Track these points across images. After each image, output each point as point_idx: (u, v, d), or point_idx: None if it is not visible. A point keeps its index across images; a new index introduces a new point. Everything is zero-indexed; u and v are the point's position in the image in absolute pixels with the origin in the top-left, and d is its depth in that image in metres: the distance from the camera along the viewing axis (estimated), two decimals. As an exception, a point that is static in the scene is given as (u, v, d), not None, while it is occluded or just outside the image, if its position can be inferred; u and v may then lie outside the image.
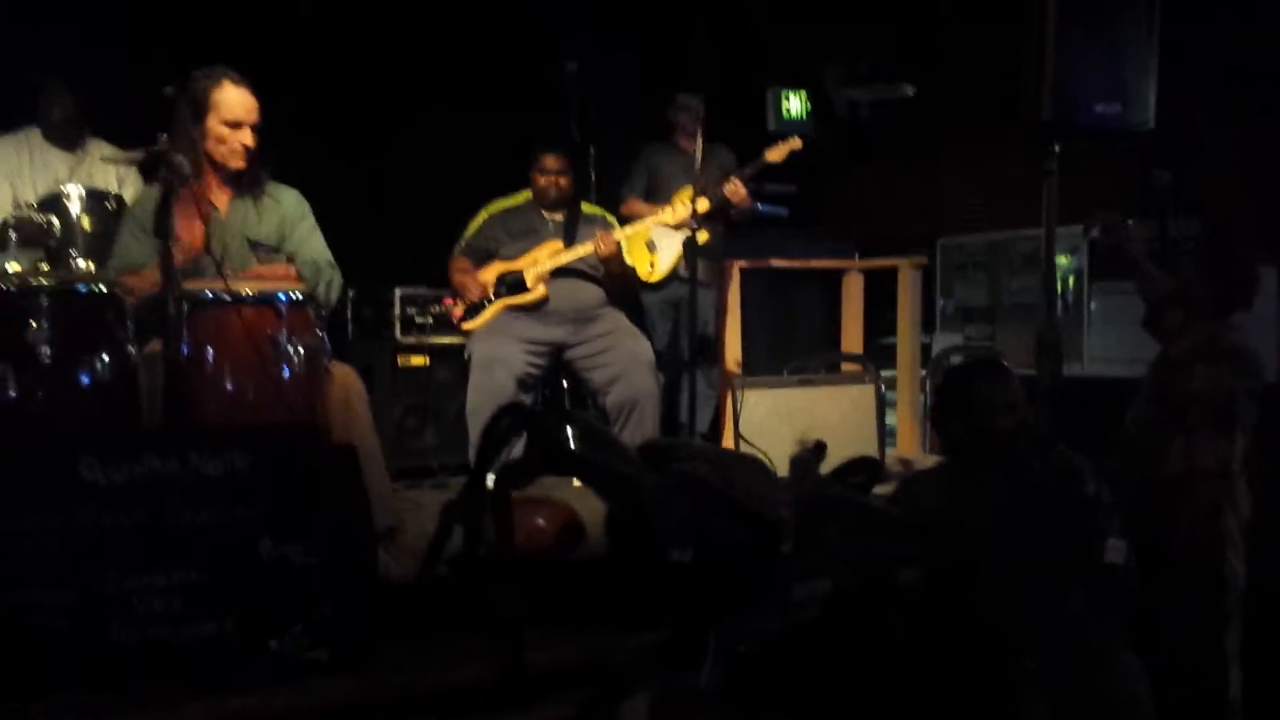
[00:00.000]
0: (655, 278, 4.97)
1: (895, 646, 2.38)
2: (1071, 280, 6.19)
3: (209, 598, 2.04)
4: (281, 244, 3.16)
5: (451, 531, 2.49)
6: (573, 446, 2.27)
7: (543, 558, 2.77)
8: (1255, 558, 3.13)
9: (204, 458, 2.07)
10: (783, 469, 2.89)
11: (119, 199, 3.73)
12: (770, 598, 2.20)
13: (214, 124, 3.02)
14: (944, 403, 2.78)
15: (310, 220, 3.25)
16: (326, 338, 2.86)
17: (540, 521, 2.80)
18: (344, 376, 2.95)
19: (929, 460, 4.97)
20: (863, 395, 4.50)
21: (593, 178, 5.50)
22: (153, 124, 3.14)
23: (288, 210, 3.20)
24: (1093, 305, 6.11)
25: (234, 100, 3.02)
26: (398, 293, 4.79)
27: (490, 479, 2.36)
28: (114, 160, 3.95)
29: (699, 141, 4.41)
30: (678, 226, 4.76)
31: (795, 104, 6.24)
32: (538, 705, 2.13)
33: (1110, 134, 3.41)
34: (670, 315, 5.12)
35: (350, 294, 4.89)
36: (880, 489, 2.96)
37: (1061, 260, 6.28)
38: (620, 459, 2.25)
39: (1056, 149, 3.46)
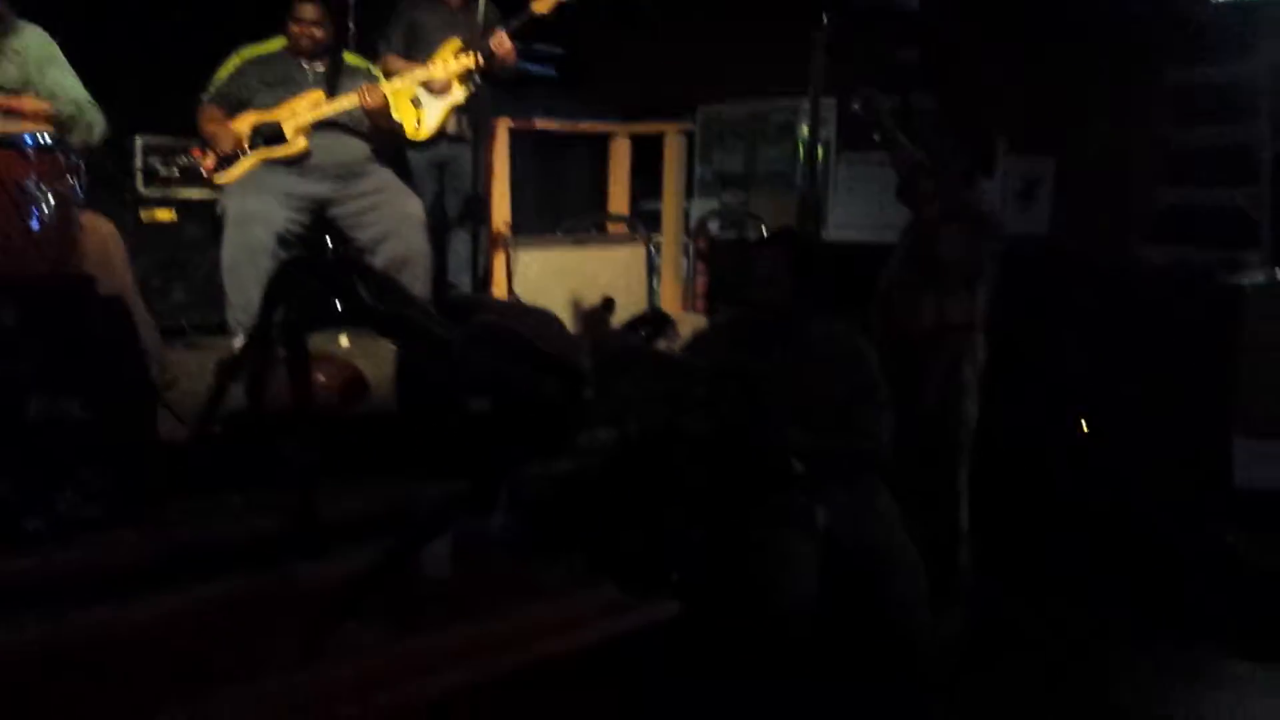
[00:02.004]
0: (422, 135, 4.80)
1: (679, 486, 2.53)
2: (820, 150, 6.48)
3: (-28, 458, 1.89)
4: (26, 86, 2.86)
5: (227, 390, 2.40)
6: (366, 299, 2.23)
7: (327, 413, 2.71)
8: (986, 403, 3.48)
9: (-42, 309, 1.88)
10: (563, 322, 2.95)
11: None
12: (566, 444, 2.28)
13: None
14: (717, 277, 2.89)
15: (60, 58, 2.95)
16: (79, 186, 2.63)
17: (323, 378, 2.74)
18: (101, 229, 2.74)
19: (690, 319, 5.17)
20: (632, 255, 4.62)
21: (351, 29, 5.24)
22: None
23: (32, 50, 2.90)
24: (839, 174, 6.44)
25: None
26: (139, 141, 4.41)
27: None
28: None
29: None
30: (445, 83, 4.61)
31: (561, -42, 6.10)
32: (336, 556, 2.12)
33: (878, 11, 3.56)
34: (435, 175, 4.99)
35: (84, 141, 4.49)
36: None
37: (809, 131, 6.55)
38: (420, 312, 2.23)
39: (825, 21, 3.60)
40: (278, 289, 2.20)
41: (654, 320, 2.58)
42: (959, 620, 3.39)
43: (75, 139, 2.88)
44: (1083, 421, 4.44)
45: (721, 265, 2.80)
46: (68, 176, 2.55)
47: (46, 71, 2.93)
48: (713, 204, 6.96)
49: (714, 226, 6.42)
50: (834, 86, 4.42)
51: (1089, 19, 4.81)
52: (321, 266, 2.19)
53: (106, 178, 4.45)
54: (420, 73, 4.60)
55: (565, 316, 4.09)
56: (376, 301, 2.22)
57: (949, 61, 5.52)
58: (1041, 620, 3.60)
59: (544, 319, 2.43)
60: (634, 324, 2.54)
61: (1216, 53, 4.53)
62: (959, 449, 3.45)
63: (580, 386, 2.09)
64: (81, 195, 2.64)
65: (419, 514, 2.03)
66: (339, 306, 2.08)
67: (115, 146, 4.45)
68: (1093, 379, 4.44)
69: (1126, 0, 4.62)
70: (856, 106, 3.71)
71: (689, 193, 6.92)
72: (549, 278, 4.43)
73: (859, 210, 6.21)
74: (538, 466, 2.48)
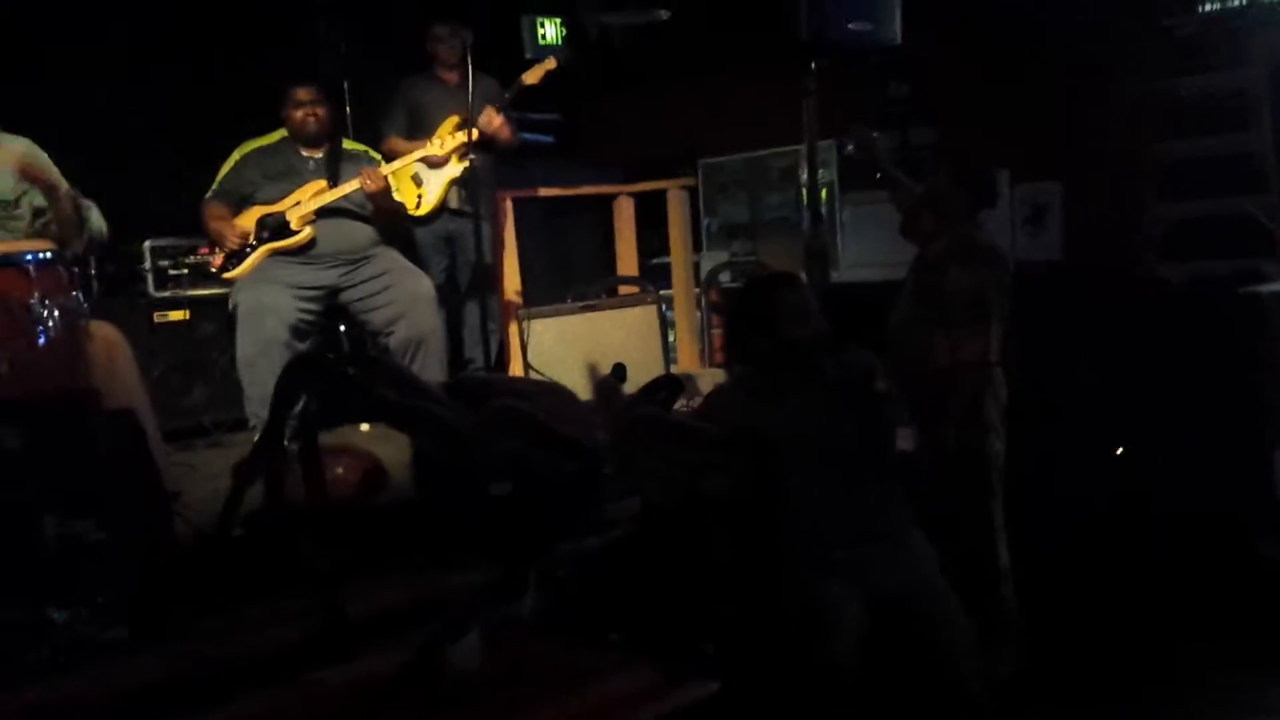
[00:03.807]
0: (423, 211, 4.81)
1: (706, 553, 2.48)
2: (824, 193, 6.48)
3: (-9, 586, 1.87)
4: (20, 199, 2.88)
5: (245, 492, 2.38)
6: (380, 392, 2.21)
7: (347, 506, 2.69)
8: (1013, 438, 3.41)
9: (-34, 437, 1.87)
10: (576, 395, 2.92)
11: None
12: (590, 521, 2.24)
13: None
14: (744, 318, 2.83)
15: (54, 169, 2.96)
16: (82, 295, 2.64)
17: (340, 470, 2.71)
18: (106, 336, 2.73)
19: (708, 374, 5.14)
20: (645, 316, 4.59)
21: (348, 114, 5.29)
22: None
23: (24, 162, 2.91)
24: (844, 216, 6.44)
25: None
26: (147, 245, 4.45)
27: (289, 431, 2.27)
28: None
29: (469, 70, 4.30)
30: (444, 159, 4.64)
31: (550, 30, 6.17)
32: (365, 656, 2.08)
33: (862, 50, 3.57)
34: (444, 249, 5.00)
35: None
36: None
37: (807, 176, 6.55)
38: (432, 400, 2.20)
39: (814, 67, 3.60)
40: (288, 386, 2.19)
41: (667, 385, 2.54)
42: (1012, 661, 3.30)
43: (82, 245, 2.89)
44: (1117, 446, 4.36)
45: (740, 309, 2.75)
46: (70, 290, 2.55)
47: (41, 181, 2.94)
48: (722, 255, 6.98)
49: (725, 278, 6.42)
50: (833, 129, 4.42)
51: (1078, 39, 4.81)
52: (333, 362, 2.17)
53: (118, 283, 4.51)
54: (418, 152, 4.63)
55: (581, 384, 4.07)
56: (390, 393, 2.20)
57: (944, 94, 5.53)
58: (1092, 653, 3.51)
59: (556, 395, 2.41)
60: (648, 391, 2.50)
61: (1209, 62, 4.51)
62: (989, 487, 3.37)
63: (597, 463, 2.05)
64: (85, 306, 2.64)
65: (450, 606, 1.99)
66: (352, 402, 2.06)
67: (124, 251, 4.51)
68: (1122, 403, 4.37)
69: (1112, 17, 4.61)
70: (850, 148, 3.71)
71: (697, 246, 6.95)
72: (563, 346, 4.41)
73: (868, 250, 6.20)
74: (567, 543, 2.44)
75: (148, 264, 4.45)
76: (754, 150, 6.67)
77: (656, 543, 2.45)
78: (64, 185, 2.96)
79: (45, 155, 3.03)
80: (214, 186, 4.35)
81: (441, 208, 4.87)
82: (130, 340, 4.35)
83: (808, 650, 2.42)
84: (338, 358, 2.11)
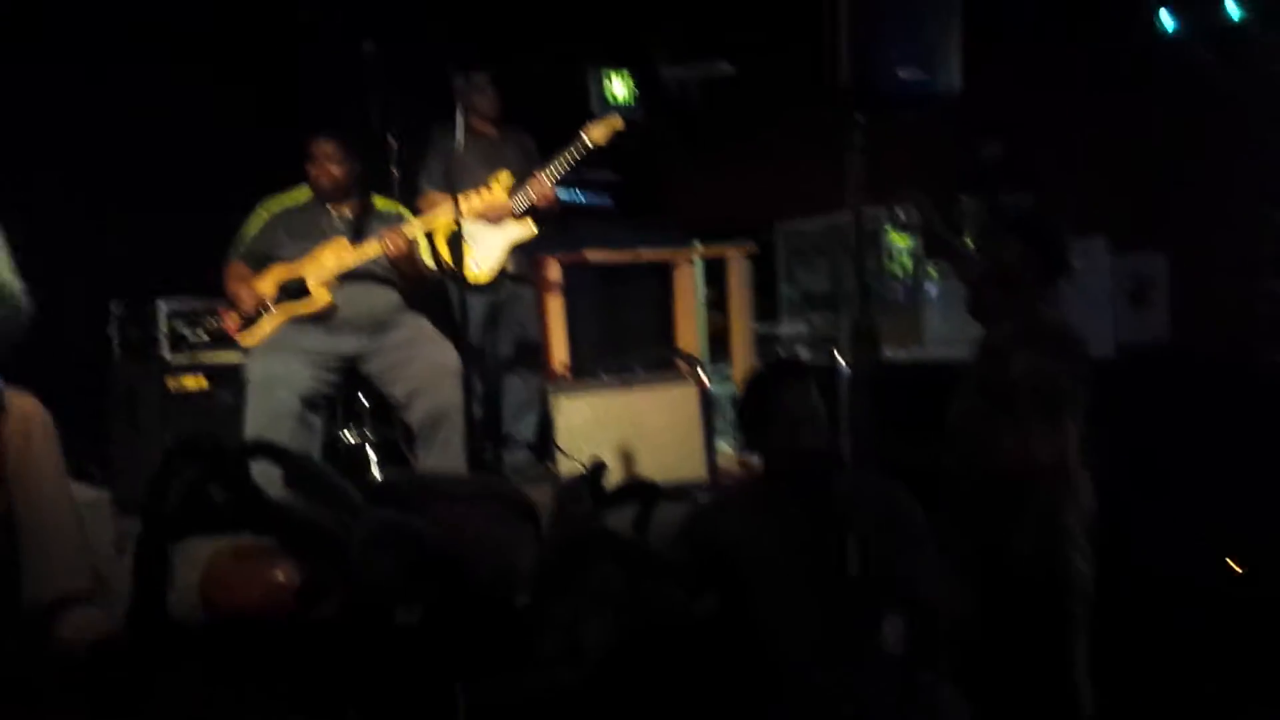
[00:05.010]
0: (483, 278, 4.46)
1: (675, 693, 2.04)
2: (910, 261, 6.00)
3: None
4: None
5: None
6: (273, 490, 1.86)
7: (285, 619, 2.32)
8: (1102, 558, 2.86)
9: None
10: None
11: None
12: (513, 653, 1.83)
13: None
14: (745, 418, 2.39)
15: None
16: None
17: (280, 576, 2.35)
18: (23, 408, 2.42)
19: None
20: (683, 396, 4.15)
21: (395, 173, 5.04)
22: None
23: None
24: (930, 286, 5.93)
25: None
26: (162, 306, 4.21)
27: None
28: None
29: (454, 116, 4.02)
30: (494, 218, 4.35)
31: (619, 86, 5.85)
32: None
33: (916, 101, 3.14)
34: (488, 316, 4.68)
35: (114, 311, 4.34)
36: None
37: (900, 241, 6.08)
38: (339, 506, 1.84)
39: (861, 120, 3.18)
40: (163, 483, 1.85)
41: (638, 492, 2.13)
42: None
43: None
44: (1236, 563, 3.76)
45: (745, 404, 2.34)
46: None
47: None
48: (801, 326, 6.51)
49: (803, 351, 5.95)
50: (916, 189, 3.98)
51: (1183, 95, 4.29)
52: (213, 455, 1.83)
53: (136, 346, 4.29)
54: (449, 209, 4.31)
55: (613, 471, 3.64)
56: (286, 492, 1.85)
57: (1035, 153, 5.04)
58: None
59: (495, 504, 2.02)
60: (614, 498, 2.10)
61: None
62: (1072, 618, 2.82)
63: (500, 592, 1.66)
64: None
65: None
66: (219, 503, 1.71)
67: (144, 313, 4.30)
68: (1238, 509, 3.77)
69: (1221, 63, 4.08)
70: (900, 214, 3.27)
71: (774, 315, 6.51)
72: (596, 427, 3.99)
73: (956, 324, 5.66)
74: (507, 677, 2.03)
75: (163, 326, 4.20)
76: (834, 213, 6.23)
77: (616, 685, 2.03)
78: None
79: None
80: (238, 246, 4.14)
81: (500, 273, 4.54)
82: (140, 407, 4.18)
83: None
84: (219, 446, 1.78)
